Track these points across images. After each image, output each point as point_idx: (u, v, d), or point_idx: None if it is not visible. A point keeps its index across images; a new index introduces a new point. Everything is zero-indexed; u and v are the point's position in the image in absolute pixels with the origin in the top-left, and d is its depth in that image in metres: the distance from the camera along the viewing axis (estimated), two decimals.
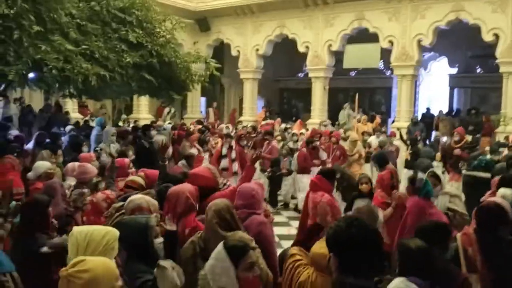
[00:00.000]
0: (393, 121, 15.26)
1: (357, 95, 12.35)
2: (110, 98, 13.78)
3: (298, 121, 15.67)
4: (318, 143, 9.10)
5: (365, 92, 20.77)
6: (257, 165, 10.91)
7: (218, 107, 19.29)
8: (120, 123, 14.74)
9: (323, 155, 8.91)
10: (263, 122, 15.96)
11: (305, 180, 8.82)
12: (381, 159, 5.89)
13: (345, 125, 14.43)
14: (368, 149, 9.91)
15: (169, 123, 13.48)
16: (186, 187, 3.33)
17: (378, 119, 14.39)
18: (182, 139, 9.37)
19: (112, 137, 8.49)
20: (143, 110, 17.56)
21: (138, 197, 3.24)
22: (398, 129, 12.23)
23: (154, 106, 19.34)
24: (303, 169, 8.89)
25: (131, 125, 12.62)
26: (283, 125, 13.87)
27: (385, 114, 18.95)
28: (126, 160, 5.42)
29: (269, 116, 17.60)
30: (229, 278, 2.19)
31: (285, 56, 19.87)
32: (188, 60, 9.35)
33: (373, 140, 10.55)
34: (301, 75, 22.66)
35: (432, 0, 13.12)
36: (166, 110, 17.08)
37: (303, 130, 12.97)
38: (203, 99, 20.42)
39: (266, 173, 9.56)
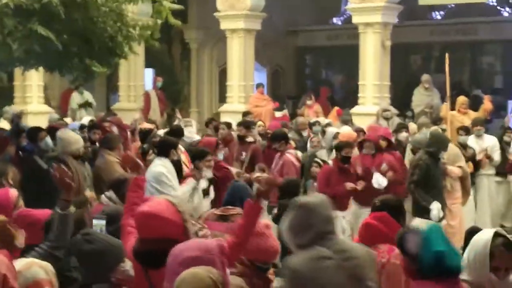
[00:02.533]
0: None
1: (447, 56, 12.44)
2: None
3: (335, 109, 15.79)
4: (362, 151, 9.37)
5: (460, 50, 20.91)
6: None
7: (174, 87, 19.39)
8: None
9: (377, 178, 9.05)
10: (278, 114, 16.08)
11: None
12: None
13: (422, 116, 14.55)
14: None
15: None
16: None
17: (488, 102, 14.54)
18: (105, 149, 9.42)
19: None
20: (33, 96, 17.67)
21: (24, 263, 3.48)
22: None
23: (56, 89, 19.44)
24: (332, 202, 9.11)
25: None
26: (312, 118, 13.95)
27: (501, 92, 19.08)
28: (11, 193, 5.47)
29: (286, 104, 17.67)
30: None
31: None
32: None
33: (472, 143, 10.77)
34: (337, 21, 22.81)
35: None
36: (74, 95, 17.18)
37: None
38: (149, 73, 20.52)
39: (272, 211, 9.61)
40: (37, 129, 10.45)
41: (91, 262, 3.73)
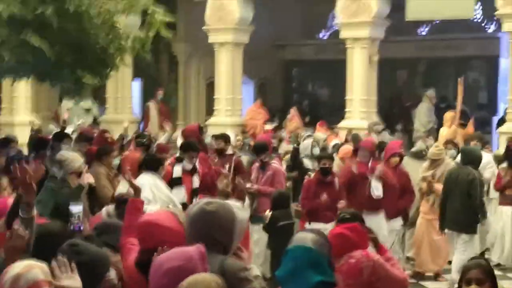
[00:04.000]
0: (500, 121, 15.58)
1: (460, 80, 12.84)
2: None
3: (319, 123, 15.89)
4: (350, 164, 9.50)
5: (446, 66, 21.14)
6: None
7: (166, 100, 19.48)
8: None
9: (377, 187, 9.12)
10: (267, 126, 16.25)
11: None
12: None
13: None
14: None
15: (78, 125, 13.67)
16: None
17: (471, 127, 14.64)
18: (99, 159, 9.48)
19: None
20: (20, 107, 17.70)
21: (23, 265, 3.55)
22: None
23: (43, 100, 19.46)
24: (310, 213, 9.28)
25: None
26: (302, 132, 14.13)
27: (485, 108, 19.31)
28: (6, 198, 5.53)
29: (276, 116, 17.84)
30: None
31: (294, 1, 20.24)
32: (113, 9, 9.53)
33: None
34: (324, 36, 22.98)
35: None
36: (64, 105, 17.18)
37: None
38: (136, 85, 20.58)
39: (263, 223, 9.70)
40: (64, 134, 10.98)
41: (79, 273, 3.75)
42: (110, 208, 6.71)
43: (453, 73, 20.88)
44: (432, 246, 10.18)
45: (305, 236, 3.82)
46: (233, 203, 4.20)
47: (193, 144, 9.20)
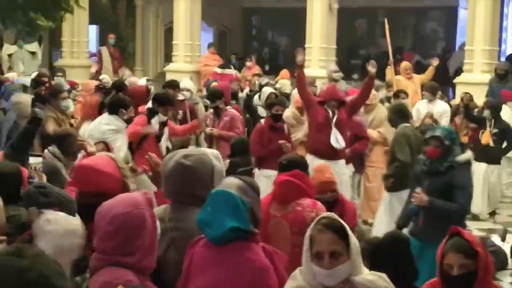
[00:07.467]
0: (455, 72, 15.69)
1: (386, 21, 12.67)
2: None
3: (284, 71, 15.91)
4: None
5: (405, 16, 21.22)
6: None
7: (119, 45, 19.22)
8: None
9: (338, 138, 9.04)
10: (217, 70, 16.12)
11: (263, 181, 8.86)
12: None
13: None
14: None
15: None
16: None
17: (431, 68, 14.84)
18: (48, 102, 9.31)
19: None
20: None
21: None
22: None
23: None
24: (260, 160, 9.12)
25: None
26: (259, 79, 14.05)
27: (445, 59, 19.48)
28: None
29: (235, 63, 17.69)
30: None
31: None
32: None
33: (423, 108, 10.93)
34: None
35: None
36: (6, 49, 16.79)
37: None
38: (93, 29, 20.26)
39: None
40: None
41: None
42: (53, 148, 6.61)
43: (413, 23, 21.04)
44: (365, 193, 10.08)
45: (231, 181, 3.75)
46: (210, 152, 4.17)
47: (171, 98, 8.98)
